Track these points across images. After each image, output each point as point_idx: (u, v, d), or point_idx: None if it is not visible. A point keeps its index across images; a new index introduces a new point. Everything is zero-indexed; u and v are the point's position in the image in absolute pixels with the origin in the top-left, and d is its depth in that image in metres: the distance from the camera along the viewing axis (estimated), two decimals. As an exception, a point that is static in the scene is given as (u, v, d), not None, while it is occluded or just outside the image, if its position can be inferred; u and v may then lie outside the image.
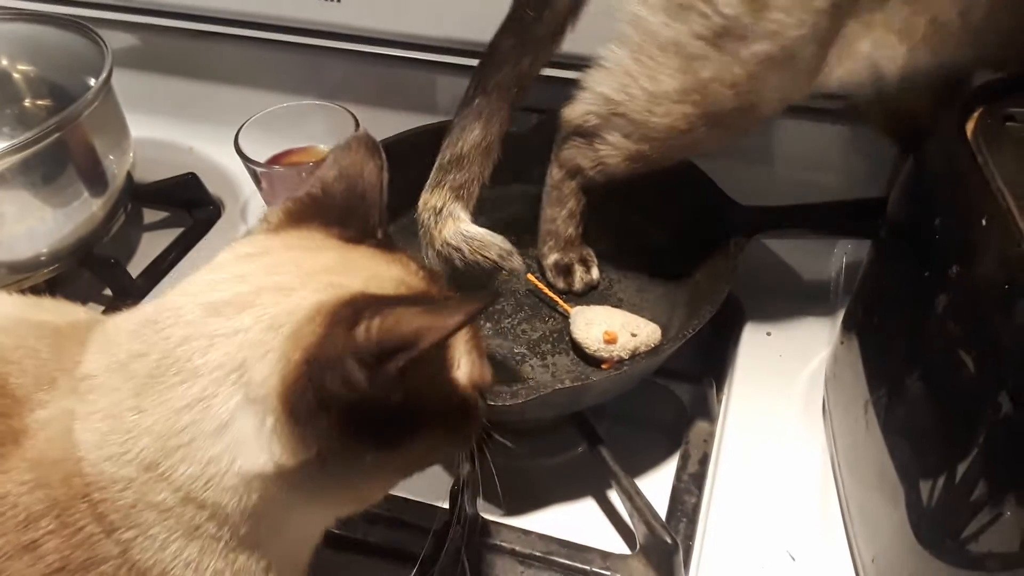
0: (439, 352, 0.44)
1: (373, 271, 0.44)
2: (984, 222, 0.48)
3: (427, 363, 0.42)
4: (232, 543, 0.41)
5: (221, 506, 0.39)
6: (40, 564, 0.38)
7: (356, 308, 0.38)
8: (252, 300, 0.40)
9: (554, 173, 0.79)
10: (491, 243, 0.69)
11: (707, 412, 0.75)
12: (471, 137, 0.73)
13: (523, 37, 0.71)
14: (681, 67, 0.65)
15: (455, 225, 0.71)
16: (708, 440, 0.74)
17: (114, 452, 0.39)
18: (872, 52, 0.63)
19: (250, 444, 0.39)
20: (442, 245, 0.70)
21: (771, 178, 0.87)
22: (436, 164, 0.74)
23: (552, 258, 0.82)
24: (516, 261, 0.70)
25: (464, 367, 0.46)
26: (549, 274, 0.82)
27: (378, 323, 0.37)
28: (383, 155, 0.50)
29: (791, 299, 0.87)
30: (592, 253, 0.83)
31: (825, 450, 0.73)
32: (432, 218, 0.72)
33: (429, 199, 0.72)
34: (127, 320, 0.44)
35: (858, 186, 0.84)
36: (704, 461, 0.72)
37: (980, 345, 0.48)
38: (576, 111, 0.74)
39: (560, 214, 0.80)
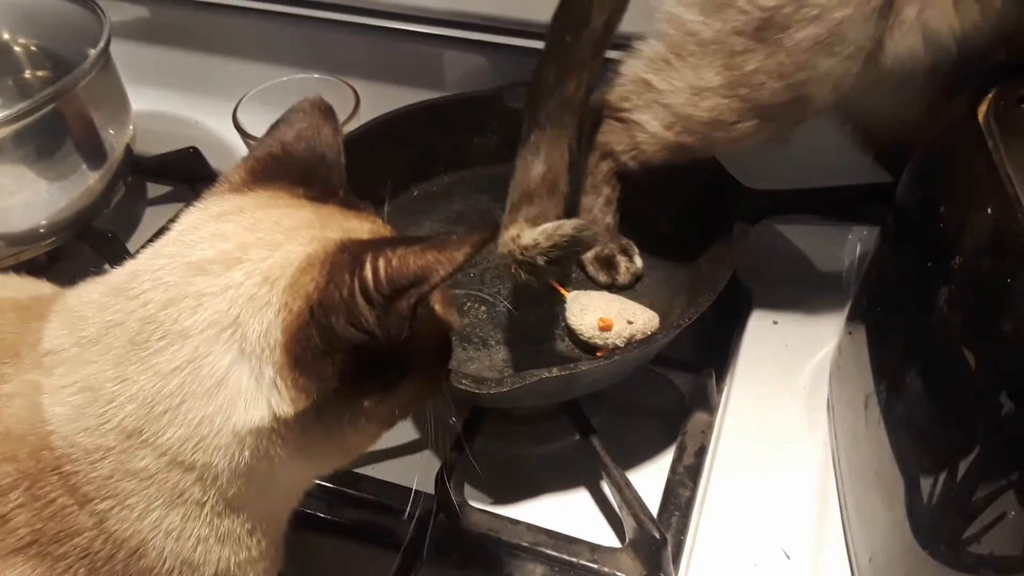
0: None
1: (348, 225, 0.45)
2: (990, 211, 0.46)
3: (425, 302, 0.43)
4: (218, 507, 0.41)
5: (211, 467, 0.39)
6: (11, 538, 0.38)
7: (353, 253, 0.39)
8: (239, 256, 0.40)
9: (590, 158, 0.76)
10: (564, 223, 0.66)
11: (706, 403, 0.73)
12: (534, 172, 0.70)
13: (564, 63, 0.69)
14: (724, 63, 0.64)
15: (529, 233, 0.69)
16: (706, 432, 0.72)
17: (91, 424, 0.39)
18: (920, 14, 0.58)
19: (246, 399, 0.39)
20: (521, 251, 0.67)
21: (781, 160, 0.84)
22: (507, 205, 0.71)
23: (592, 251, 0.78)
24: (593, 229, 0.66)
25: (439, 308, 0.47)
26: (590, 269, 0.79)
27: (384, 263, 0.38)
28: (337, 119, 0.51)
29: (801, 287, 0.84)
30: (631, 242, 0.80)
31: (827, 445, 0.70)
32: (512, 243, 0.69)
33: (507, 233, 0.70)
34: (90, 292, 0.43)
35: (873, 170, 0.81)
36: (701, 453, 0.70)
37: (982, 341, 0.46)
38: (616, 93, 0.72)
39: (597, 202, 0.77)
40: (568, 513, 0.69)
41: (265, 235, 0.42)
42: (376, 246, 0.39)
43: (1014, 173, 0.46)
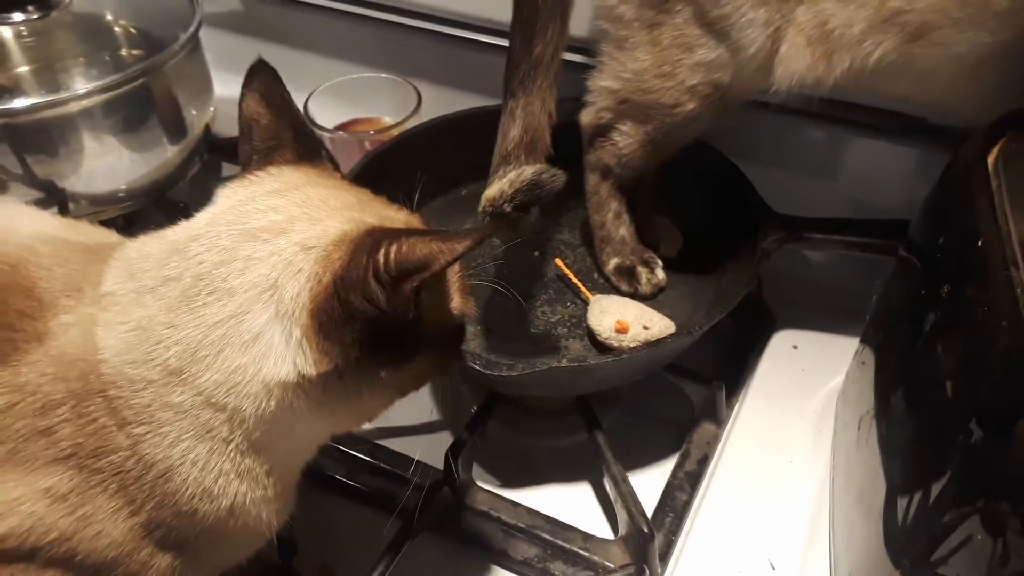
0: (441, 283, 0.51)
1: (385, 213, 0.50)
2: (980, 243, 0.47)
3: (435, 291, 0.50)
4: (242, 446, 0.46)
5: (240, 411, 0.44)
6: (53, 448, 0.42)
7: (375, 237, 0.44)
8: (285, 227, 0.46)
9: (589, 179, 0.81)
10: (525, 168, 0.69)
11: (715, 415, 0.75)
12: (510, 136, 0.74)
13: (526, 31, 0.72)
14: (649, 39, 0.69)
15: (496, 185, 0.71)
16: (712, 443, 0.74)
17: (139, 358, 0.44)
18: (787, 52, 0.64)
19: (276, 355, 0.44)
20: (490, 203, 0.70)
21: (829, 194, 0.86)
22: (490, 172, 0.75)
23: (613, 263, 0.82)
24: (554, 171, 0.67)
25: (455, 300, 0.53)
26: (613, 279, 0.82)
27: (395, 248, 0.43)
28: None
29: (826, 315, 0.85)
30: (654, 255, 0.83)
31: (828, 468, 0.72)
32: (484, 201, 0.72)
33: (487, 195, 0.72)
34: (149, 247, 0.48)
35: (902, 207, 0.81)
36: (703, 462, 0.73)
37: (959, 367, 0.48)
38: (590, 113, 0.77)
39: (607, 218, 0.81)
40: (568, 504, 0.71)
41: (311, 211, 0.47)
42: (393, 234, 0.44)
43: (1011, 210, 0.47)
